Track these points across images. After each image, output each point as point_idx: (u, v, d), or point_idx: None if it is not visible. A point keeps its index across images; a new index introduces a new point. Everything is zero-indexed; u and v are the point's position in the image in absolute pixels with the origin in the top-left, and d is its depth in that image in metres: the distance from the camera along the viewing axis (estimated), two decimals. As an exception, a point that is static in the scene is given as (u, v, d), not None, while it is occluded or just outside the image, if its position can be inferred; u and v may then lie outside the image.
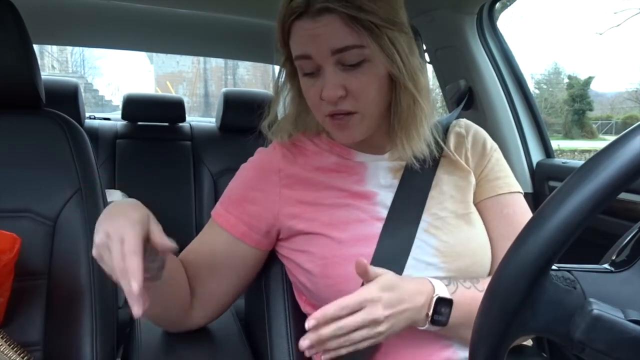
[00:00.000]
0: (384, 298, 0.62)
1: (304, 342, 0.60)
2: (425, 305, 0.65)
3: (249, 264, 0.80)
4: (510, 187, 0.79)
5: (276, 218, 0.77)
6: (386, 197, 0.76)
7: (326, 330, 0.60)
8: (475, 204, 0.79)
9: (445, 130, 0.82)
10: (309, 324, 0.60)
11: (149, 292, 0.69)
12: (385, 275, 0.64)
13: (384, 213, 0.75)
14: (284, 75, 0.79)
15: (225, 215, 0.78)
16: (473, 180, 0.79)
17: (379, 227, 0.73)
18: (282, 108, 0.83)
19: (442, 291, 0.66)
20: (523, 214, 0.77)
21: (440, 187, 0.77)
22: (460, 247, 0.73)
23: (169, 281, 0.70)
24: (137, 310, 0.53)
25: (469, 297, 0.68)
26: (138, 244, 0.55)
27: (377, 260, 0.71)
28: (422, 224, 0.74)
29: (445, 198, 0.76)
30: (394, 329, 0.64)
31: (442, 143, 0.79)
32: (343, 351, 0.62)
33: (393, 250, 0.72)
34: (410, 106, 0.71)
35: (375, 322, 0.62)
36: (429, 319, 0.65)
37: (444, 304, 0.65)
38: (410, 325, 0.66)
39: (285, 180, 0.78)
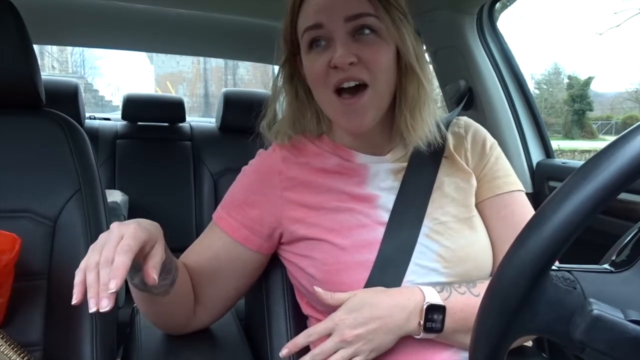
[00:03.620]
0: (349, 320, 0.66)
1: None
2: (414, 315, 0.66)
3: (251, 268, 0.80)
4: (510, 186, 0.78)
5: (279, 222, 0.77)
6: (388, 200, 0.76)
7: (305, 358, 0.65)
8: (476, 205, 0.78)
9: (445, 129, 0.82)
10: (282, 353, 0.66)
11: (156, 305, 0.70)
12: (353, 298, 0.67)
13: (385, 217, 0.74)
14: (282, 77, 0.79)
15: (227, 219, 0.78)
16: (474, 182, 0.78)
17: (381, 231, 0.73)
18: (280, 109, 0.83)
19: (433, 298, 0.67)
20: (522, 213, 0.76)
21: (442, 190, 0.76)
22: (462, 252, 0.73)
23: (176, 294, 0.71)
24: (104, 304, 0.51)
25: (463, 302, 0.68)
26: (134, 244, 0.55)
27: (379, 266, 0.71)
28: (424, 229, 0.73)
29: (447, 201, 0.76)
30: (375, 344, 0.66)
31: (444, 141, 0.79)
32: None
33: (395, 256, 0.72)
34: (416, 88, 0.73)
35: (346, 343, 0.65)
36: (422, 327, 0.66)
37: (436, 311, 0.66)
38: (400, 336, 0.67)
39: (286, 182, 0.78)
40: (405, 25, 0.72)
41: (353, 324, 0.65)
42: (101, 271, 0.53)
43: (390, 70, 0.72)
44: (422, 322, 0.66)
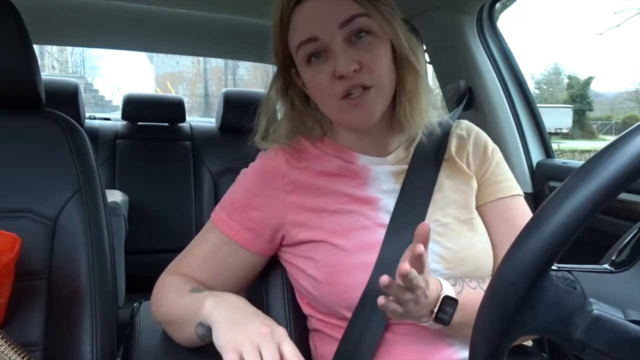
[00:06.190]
0: (423, 297, 0.62)
1: (404, 266, 0.57)
2: (433, 302, 0.65)
3: (250, 270, 0.80)
4: (511, 190, 0.79)
5: (281, 224, 0.77)
6: (389, 203, 0.76)
7: (417, 281, 0.59)
8: (476, 208, 0.78)
9: (447, 131, 0.82)
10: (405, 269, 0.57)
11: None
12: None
13: (386, 219, 0.74)
14: (275, 89, 0.79)
15: (227, 222, 0.78)
16: (475, 185, 0.79)
17: (382, 233, 0.73)
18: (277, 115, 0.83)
19: (449, 291, 0.67)
20: (523, 217, 0.77)
21: (443, 192, 0.77)
22: (464, 254, 0.73)
23: None
24: None
25: (473, 297, 0.68)
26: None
27: (380, 268, 0.71)
28: None
29: (448, 203, 0.76)
30: (409, 316, 0.64)
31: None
32: (394, 306, 0.61)
33: (396, 257, 0.71)
34: (414, 79, 0.74)
35: (417, 305, 0.62)
36: (433, 316, 0.66)
37: (449, 304, 0.65)
38: (414, 319, 0.66)
39: (289, 185, 0.78)
40: (396, 18, 0.72)
41: (424, 299, 0.62)
42: None
43: (390, 66, 0.72)
44: (434, 311, 0.65)
